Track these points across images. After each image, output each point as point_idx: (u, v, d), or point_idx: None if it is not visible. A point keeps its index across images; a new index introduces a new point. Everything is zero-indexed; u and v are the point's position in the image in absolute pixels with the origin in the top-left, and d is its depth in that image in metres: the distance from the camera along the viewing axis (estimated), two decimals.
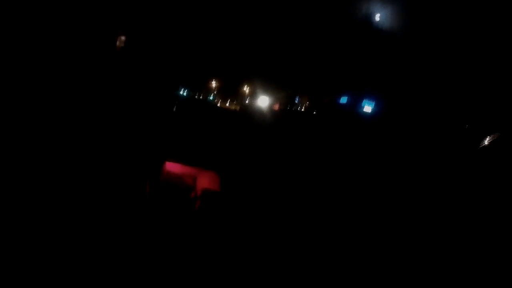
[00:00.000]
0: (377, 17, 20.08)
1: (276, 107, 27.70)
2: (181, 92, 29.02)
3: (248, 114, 24.45)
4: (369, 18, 20.22)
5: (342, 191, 3.66)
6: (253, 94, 42.86)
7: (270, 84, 35.49)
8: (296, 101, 30.55)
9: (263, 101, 32.76)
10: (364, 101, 19.19)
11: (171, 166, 2.56)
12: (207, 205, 2.33)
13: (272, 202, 2.98)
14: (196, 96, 38.21)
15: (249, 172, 3.59)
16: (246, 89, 45.99)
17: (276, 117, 21.30)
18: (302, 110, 27.33)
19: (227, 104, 45.43)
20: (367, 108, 19.02)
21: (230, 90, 46.65)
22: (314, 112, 23.26)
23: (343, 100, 21.37)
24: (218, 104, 42.24)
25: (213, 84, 47.46)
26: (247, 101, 36.88)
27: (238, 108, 35.97)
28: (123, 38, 14.28)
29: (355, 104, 19.52)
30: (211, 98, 43.08)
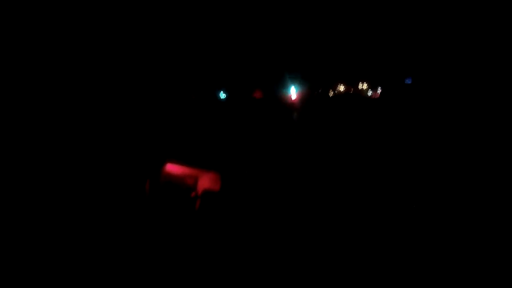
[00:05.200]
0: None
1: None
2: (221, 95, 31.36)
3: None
4: None
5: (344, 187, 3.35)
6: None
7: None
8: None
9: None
10: None
11: (172, 167, 2.49)
12: (207, 205, 2.31)
13: (273, 202, 2.95)
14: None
15: (251, 172, 3.50)
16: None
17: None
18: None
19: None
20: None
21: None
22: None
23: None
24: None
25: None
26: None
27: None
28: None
29: None
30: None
